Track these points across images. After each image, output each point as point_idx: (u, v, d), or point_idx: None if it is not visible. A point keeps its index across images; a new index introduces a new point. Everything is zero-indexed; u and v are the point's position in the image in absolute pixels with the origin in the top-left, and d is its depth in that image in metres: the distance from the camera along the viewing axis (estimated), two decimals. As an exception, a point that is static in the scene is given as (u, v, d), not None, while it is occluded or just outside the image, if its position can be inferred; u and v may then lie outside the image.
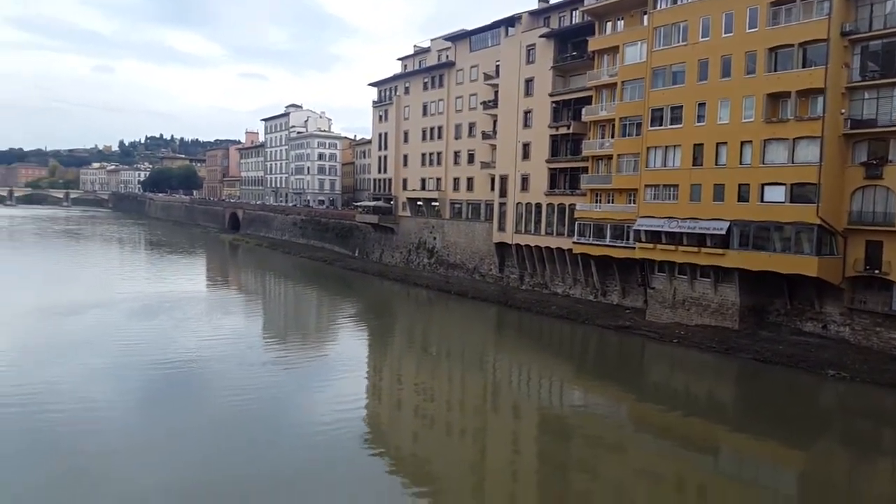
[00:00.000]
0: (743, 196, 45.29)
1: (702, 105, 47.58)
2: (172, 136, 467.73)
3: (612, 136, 55.26)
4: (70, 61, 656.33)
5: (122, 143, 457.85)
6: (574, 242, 58.59)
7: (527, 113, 65.26)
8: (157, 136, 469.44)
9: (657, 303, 52.14)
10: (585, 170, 58.56)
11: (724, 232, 45.96)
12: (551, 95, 62.40)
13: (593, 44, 56.67)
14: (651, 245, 50.70)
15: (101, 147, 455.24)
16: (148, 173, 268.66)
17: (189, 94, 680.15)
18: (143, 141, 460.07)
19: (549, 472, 27.72)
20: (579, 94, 59.73)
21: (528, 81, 64.99)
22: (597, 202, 57.18)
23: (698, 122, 47.85)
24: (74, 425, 28.74)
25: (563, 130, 61.40)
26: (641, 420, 34.90)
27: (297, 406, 33.55)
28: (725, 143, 46.19)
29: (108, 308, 55.51)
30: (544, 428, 33.69)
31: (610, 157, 55.53)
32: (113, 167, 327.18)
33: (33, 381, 33.98)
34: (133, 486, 23.48)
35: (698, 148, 47.87)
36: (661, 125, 50.30)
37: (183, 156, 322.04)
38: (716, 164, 46.82)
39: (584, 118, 57.93)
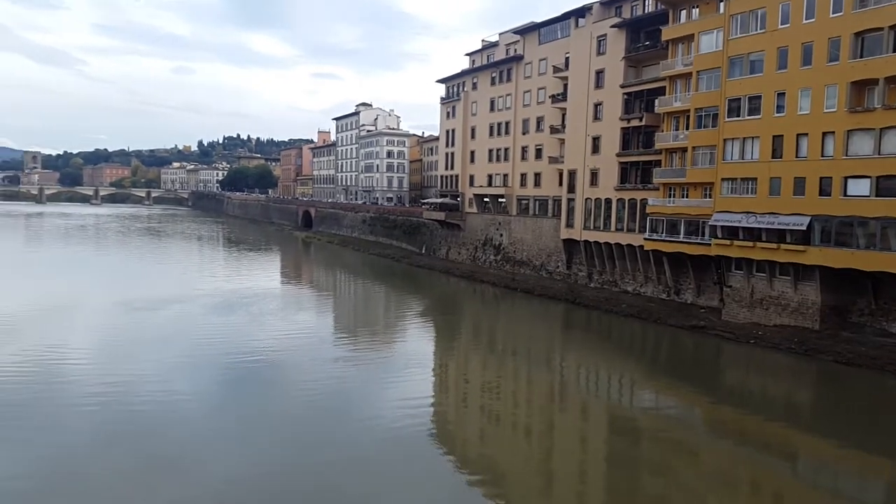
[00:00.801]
0: (825, 190, 43.10)
1: (781, 95, 45.53)
2: (249, 136, 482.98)
3: (687, 128, 53.54)
4: (152, 64, 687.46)
5: (200, 143, 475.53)
6: (646, 239, 57.12)
7: (597, 105, 64.02)
8: (234, 136, 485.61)
9: (734, 302, 50.26)
10: (658, 163, 56.98)
11: (804, 227, 43.88)
12: (623, 87, 60.99)
13: (667, 33, 55.02)
14: (728, 241, 48.90)
15: (180, 147, 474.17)
16: (225, 173, 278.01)
17: (264, 95, 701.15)
18: (220, 141, 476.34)
19: (618, 474, 27.04)
20: (652, 84, 58.13)
21: (599, 73, 63.75)
22: (670, 197, 55.55)
23: (777, 112, 45.81)
24: (158, 416, 29.68)
25: (634, 123, 59.93)
26: (715, 423, 33.69)
27: (365, 401, 33.80)
28: (806, 134, 44.06)
29: (188, 303, 57.37)
30: (614, 429, 32.95)
31: (684, 150, 53.84)
32: (192, 167, 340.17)
33: (120, 374, 35.30)
34: (211, 475, 24.11)
35: (777, 140, 45.84)
36: (738, 116, 48.42)
37: (258, 155, 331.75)
38: (796, 157, 44.71)
39: (657, 110, 56.33)
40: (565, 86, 70.00)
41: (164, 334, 45.55)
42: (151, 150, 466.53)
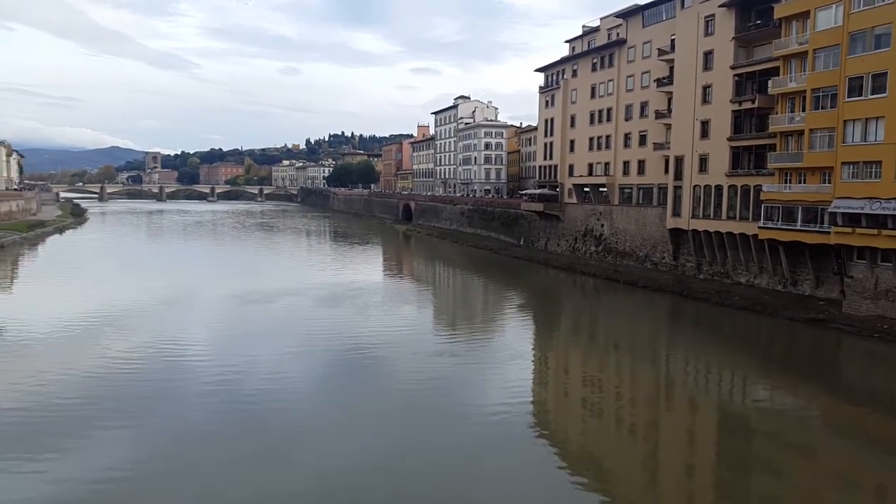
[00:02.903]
0: (963, 171, 39.53)
1: (911, 70, 42.09)
2: (352, 133, 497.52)
3: (803, 110, 50.52)
4: (261, 65, 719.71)
5: (308, 142, 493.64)
6: (760, 227, 54.37)
7: (705, 88, 61.44)
8: (339, 133, 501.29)
9: (856, 293, 46.97)
10: (772, 147, 54.09)
11: (939, 213, 40.42)
12: (733, 68, 58.21)
13: (780, 10, 52.01)
14: (849, 229, 45.80)
15: (289, 146, 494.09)
16: (331, 169, 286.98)
17: (366, 92, 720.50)
18: (326, 139, 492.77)
19: (728, 473, 25.87)
20: (765, 65, 55.26)
21: (707, 55, 61.11)
22: (786, 182, 52.61)
23: (907, 89, 42.39)
24: (268, 409, 30.65)
25: (746, 105, 57.12)
26: (835, 421, 31.69)
27: (466, 394, 33.86)
28: (941, 111, 40.52)
29: (298, 296, 59.36)
30: (723, 425, 31.57)
31: (801, 133, 50.84)
32: (300, 164, 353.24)
33: (234, 367, 36.68)
34: (317, 465, 24.82)
35: (906, 118, 42.45)
36: (860, 95, 45.19)
37: (361, 151, 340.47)
38: (929, 136, 41.23)
39: (770, 91, 53.46)
40: (671, 69, 67.61)
41: (276, 327, 47.29)
42: (263, 149, 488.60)
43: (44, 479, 22.96)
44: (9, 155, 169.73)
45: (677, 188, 65.07)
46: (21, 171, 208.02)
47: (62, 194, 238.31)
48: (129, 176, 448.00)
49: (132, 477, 23.44)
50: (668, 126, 67.92)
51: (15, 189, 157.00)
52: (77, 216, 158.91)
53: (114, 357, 37.65)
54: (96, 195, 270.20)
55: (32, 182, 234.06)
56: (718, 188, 60.22)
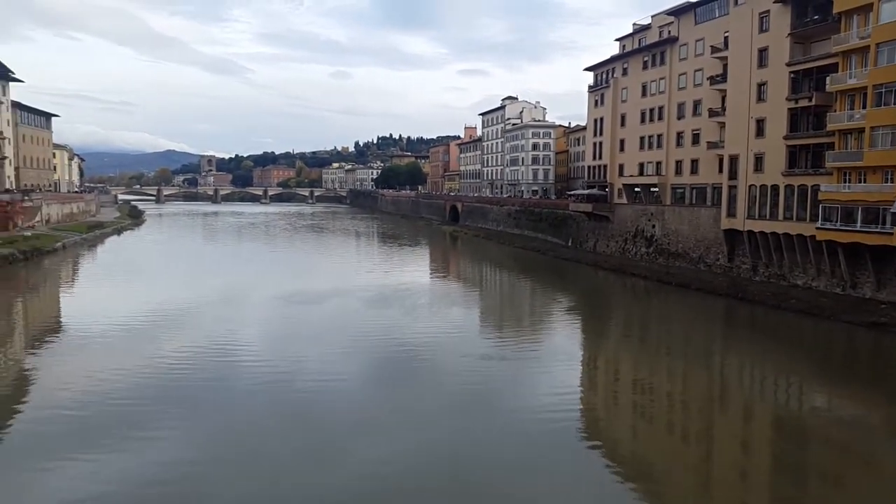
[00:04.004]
0: None
1: (983, 62, 40.21)
2: (400, 135, 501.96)
3: (864, 107, 48.78)
4: (311, 70, 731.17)
5: (357, 144, 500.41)
6: (818, 228, 52.69)
7: (760, 86, 59.87)
8: (387, 135, 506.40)
9: (922, 296, 45.09)
10: (831, 146, 52.38)
11: None
12: (789, 65, 56.58)
13: (839, 4, 50.35)
14: (914, 229, 44.02)
15: (339, 148, 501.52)
16: (379, 171, 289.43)
17: (415, 94, 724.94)
18: (374, 141, 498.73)
19: (785, 479, 25.07)
20: (822, 61, 53.54)
21: (762, 51, 59.56)
22: (845, 182, 50.88)
23: (978, 83, 40.51)
24: (315, 406, 31.07)
25: (803, 103, 55.46)
26: (899, 430, 30.40)
27: (513, 397, 33.48)
28: None
29: (346, 297, 59.77)
30: (779, 432, 30.63)
31: (861, 131, 49.11)
32: (350, 167, 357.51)
33: (282, 368, 36.94)
34: (363, 466, 24.86)
35: (978, 114, 40.57)
36: (927, 90, 43.37)
37: (409, 153, 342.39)
38: None
39: (828, 88, 51.86)
40: (724, 66, 66.18)
41: (324, 328, 47.64)
42: (313, 152, 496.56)
43: (98, 477, 23.48)
44: (70, 159, 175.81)
45: (732, 188, 63.54)
46: (82, 173, 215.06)
47: (120, 196, 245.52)
48: (185, 178, 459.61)
49: (182, 475, 23.89)
50: (722, 125, 66.46)
51: (76, 191, 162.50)
52: (134, 218, 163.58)
53: (168, 357, 38.43)
54: (153, 197, 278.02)
55: (92, 185, 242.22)
56: (774, 188, 58.59)
